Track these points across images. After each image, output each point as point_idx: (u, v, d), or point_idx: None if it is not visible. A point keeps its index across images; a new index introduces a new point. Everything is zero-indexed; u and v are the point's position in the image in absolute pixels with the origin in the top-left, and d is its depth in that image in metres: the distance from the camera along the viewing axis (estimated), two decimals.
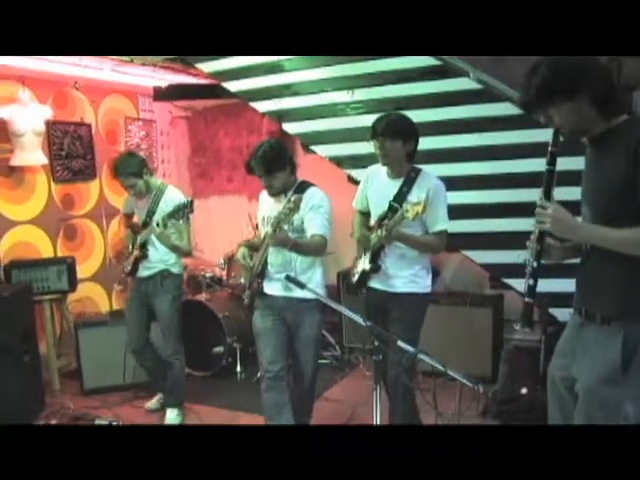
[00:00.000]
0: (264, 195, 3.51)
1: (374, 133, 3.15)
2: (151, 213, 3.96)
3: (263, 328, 3.41)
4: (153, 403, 4.45)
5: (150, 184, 4.01)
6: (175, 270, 4.10)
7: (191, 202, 3.71)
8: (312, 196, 3.31)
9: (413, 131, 3.16)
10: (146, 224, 3.97)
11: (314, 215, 3.28)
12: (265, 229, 3.44)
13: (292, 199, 3.07)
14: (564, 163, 2.10)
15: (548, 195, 2.03)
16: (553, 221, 1.98)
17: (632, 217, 1.89)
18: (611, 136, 1.98)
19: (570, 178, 2.25)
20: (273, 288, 3.40)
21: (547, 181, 2.04)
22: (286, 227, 3.17)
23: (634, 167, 1.86)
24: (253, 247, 3.54)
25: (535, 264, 2.08)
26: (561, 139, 2.04)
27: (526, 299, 2.10)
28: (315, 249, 3.28)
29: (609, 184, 1.96)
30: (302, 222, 3.31)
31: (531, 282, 2.08)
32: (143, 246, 3.99)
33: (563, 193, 2.15)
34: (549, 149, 2.04)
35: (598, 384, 1.98)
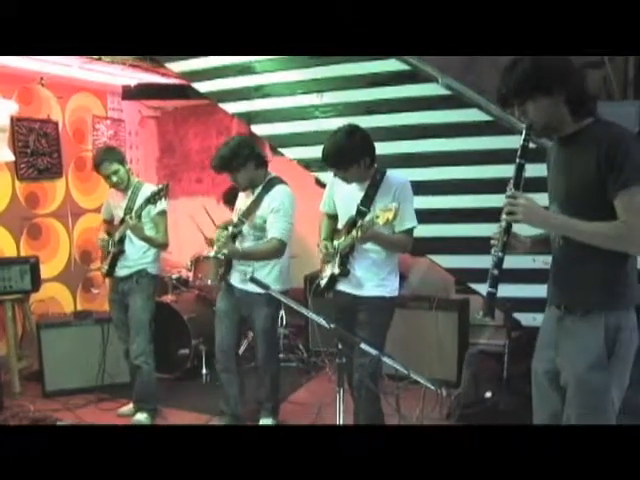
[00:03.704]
0: None
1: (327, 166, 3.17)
2: (129, 210, 3.95)
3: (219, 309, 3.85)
4: (129, 409, 4.28)
5: (130, 179, 4.07)
6: (152, 270, 4.11)
7: (167, 186, 3.83)
8: (274, 197, 3.57)
9: (362, 149, 3.06)
10: (124, 221, 3.97)
11: (274, 218, 3.53)
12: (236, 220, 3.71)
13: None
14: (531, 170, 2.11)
15: (518, 187, 2.04)
16: (525, 211, 1.99)
17: (601, 217, 1.94)
18: (581, 137, 2.03)
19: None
20: (234, 278, 3.72)
21: (517, 174, 2.06)
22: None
23: (605, 167, 1.91)
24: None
25: (500, 254, 2.08)
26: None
27: (488, 289, 2.09)
28: (270, 253, 3.56)
29: (581, 183, 2.00)
30: (264, 221, 3.56)
31: (495, 272, 2.08)
32: (120, 242, 4.01)
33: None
34: (521, 142, 2.06)
35: (587, 371, 2.01)
